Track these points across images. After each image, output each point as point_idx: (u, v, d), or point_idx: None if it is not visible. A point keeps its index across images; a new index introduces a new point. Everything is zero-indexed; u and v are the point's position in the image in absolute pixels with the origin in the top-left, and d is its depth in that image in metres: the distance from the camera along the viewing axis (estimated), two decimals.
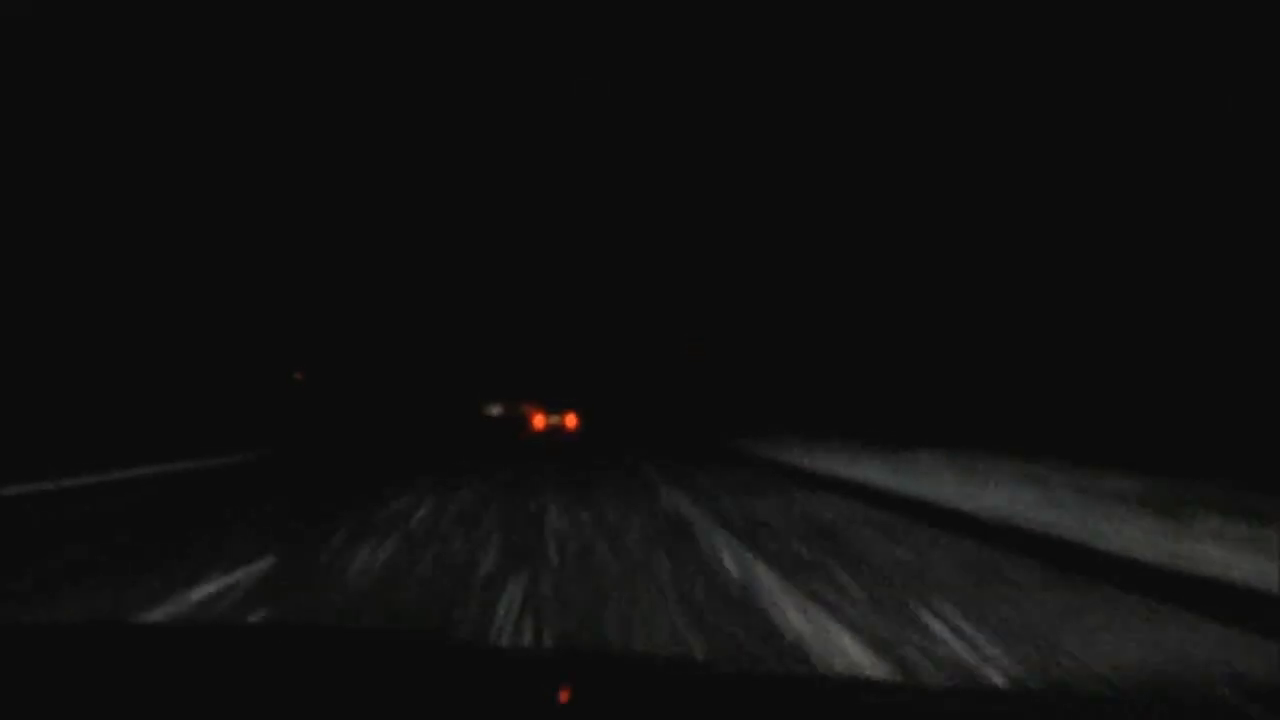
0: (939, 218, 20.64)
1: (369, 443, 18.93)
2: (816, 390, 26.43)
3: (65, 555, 5.23)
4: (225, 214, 25.22)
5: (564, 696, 1.28)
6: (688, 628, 3.64)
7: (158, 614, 3.73)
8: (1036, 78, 16.89)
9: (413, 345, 40.84)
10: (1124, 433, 13.51)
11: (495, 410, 41.87)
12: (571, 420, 37.31)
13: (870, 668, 3.14)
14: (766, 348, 30.59)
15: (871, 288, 23.52)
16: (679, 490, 9.42)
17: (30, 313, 18.92)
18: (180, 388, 22.76)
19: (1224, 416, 12.53)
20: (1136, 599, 4.37)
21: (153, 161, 22.52)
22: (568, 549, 5.49)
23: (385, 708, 1.11)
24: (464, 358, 43.89)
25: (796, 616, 3.93)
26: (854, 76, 23.38)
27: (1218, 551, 4.96)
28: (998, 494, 7.80)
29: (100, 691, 1.17)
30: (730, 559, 5.27)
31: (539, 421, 37.22)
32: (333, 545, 5.55)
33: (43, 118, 19.89)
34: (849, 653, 3.35)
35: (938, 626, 3.77)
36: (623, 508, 7.71)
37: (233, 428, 19.76)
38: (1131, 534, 5.57)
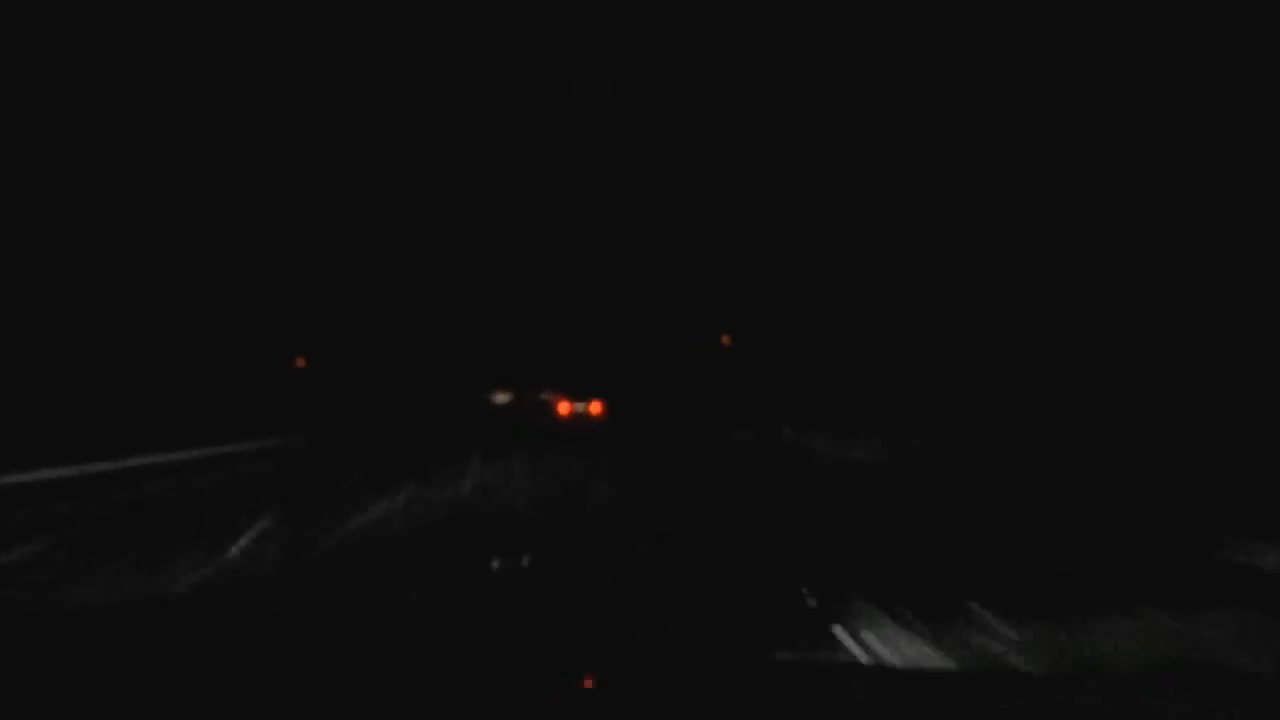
0: (939, 218, 20.65)
1: (409, 432, 18.98)
2: (833, 383, 26.23)
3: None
4: (229, 204, 25.21)
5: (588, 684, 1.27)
6: None
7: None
8: (1037, 79, 16.91)
9: (436, 337, 41.07)
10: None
11: (509, 398, 42.06)
12: (597, 408, 37.31)
13: None
14: (787, 337, 30.36)
15: (891, 282, 23.44)
16: None
17: (41, 313, 18.93)
18: (193, 378, 22.77)
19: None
20: None
21: (153, 159, 22.51)
22: None
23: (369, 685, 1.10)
24: (488, 349, 44.27)
25: None
26: (854, 77, 23.41)
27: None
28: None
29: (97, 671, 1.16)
30: None
31: (564, 409, 37.36)
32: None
33: (43, 117, 19.87)
34: None
35: None
36: None
37: (249, 415, 19.84)
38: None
